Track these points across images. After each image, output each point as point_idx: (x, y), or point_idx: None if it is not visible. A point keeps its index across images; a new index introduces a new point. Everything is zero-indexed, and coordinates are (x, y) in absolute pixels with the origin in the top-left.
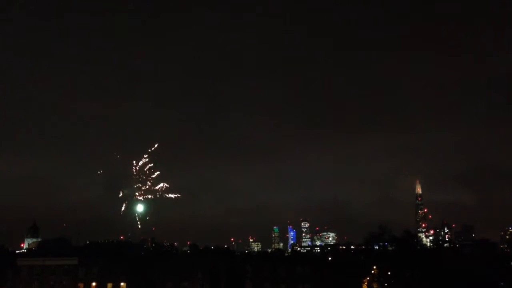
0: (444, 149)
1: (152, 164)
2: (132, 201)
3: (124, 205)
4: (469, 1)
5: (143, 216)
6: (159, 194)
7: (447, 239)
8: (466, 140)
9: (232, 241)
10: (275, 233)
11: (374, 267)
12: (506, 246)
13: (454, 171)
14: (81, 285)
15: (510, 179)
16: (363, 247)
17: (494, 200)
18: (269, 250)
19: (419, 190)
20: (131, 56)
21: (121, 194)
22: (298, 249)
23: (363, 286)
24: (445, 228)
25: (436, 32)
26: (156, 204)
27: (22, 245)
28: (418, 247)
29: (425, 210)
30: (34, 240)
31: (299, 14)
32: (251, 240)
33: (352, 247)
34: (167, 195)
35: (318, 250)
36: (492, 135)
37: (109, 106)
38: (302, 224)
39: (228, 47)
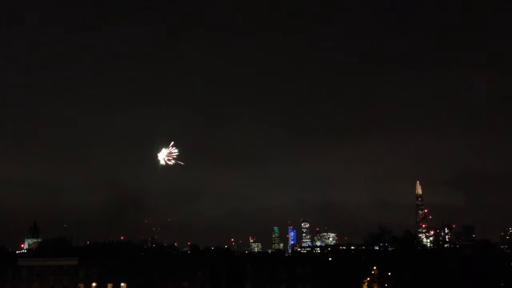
0: (441, 153)
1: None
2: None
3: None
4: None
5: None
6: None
7: (447, 240)
8: (460, 145)
9: (233, 242)
10: (275, 234)
11: (375, 267)
12: (506, 246)
13: (452, 174)
14: (81, 285)
15: (505, 181)
16: (363, 247)
17: (494, 201)
18: (270, 251)
19: (419, 191)
20: (132, 70)
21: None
22: (298, 249)
23: (363, 287)
24: (445, 229)
25: (435, 45)
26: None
27: (22, 245)
28: (419, 248)
29: (426, 210)
30: (35, 240)
31: (295, 27)
32: (251, 241)
33: (352, 247)
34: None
35: (319, 251)
36: (486, 140)
37: (109, 115)
38: (302, 224)
39: (230, 61)
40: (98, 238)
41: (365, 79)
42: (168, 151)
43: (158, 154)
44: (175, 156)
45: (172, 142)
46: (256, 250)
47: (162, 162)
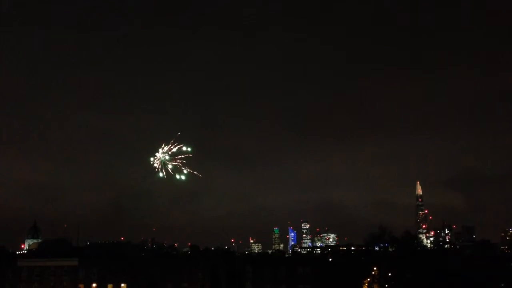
0: (441, 153)
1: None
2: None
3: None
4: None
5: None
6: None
7: (447, 240)
8: (460, 146)
9: (233, 242)
10: (276, 234)
11: (375, 268)
12: (506, 247)
13: (452, 174)
14: (81, 286)
15: (506, 181)
16: (363, 248)
17: (494, 202)
18: (270, 251)
19: (419, 191)
20: (132, 70)
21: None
22: (299, 250)
23: (364, 287)
24: (446, 229)
25: (435, 45)
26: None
27: (22, 246)
28: (419, 248)
29: (426, 211)
30: (35, 241)
31: (296, 27)
32: (251, 241)
33: (352, 248)
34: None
35: (319, 251)
36: (486, 140)
37: (110, 115)
38: (302, 225)
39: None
40: (98, 239)
41: (365, 79)
42: (171, 151)
43: (155, 160)
44: (184, 161)
45: (176, 136)
46: (256, 251)
47: (161, 174)
